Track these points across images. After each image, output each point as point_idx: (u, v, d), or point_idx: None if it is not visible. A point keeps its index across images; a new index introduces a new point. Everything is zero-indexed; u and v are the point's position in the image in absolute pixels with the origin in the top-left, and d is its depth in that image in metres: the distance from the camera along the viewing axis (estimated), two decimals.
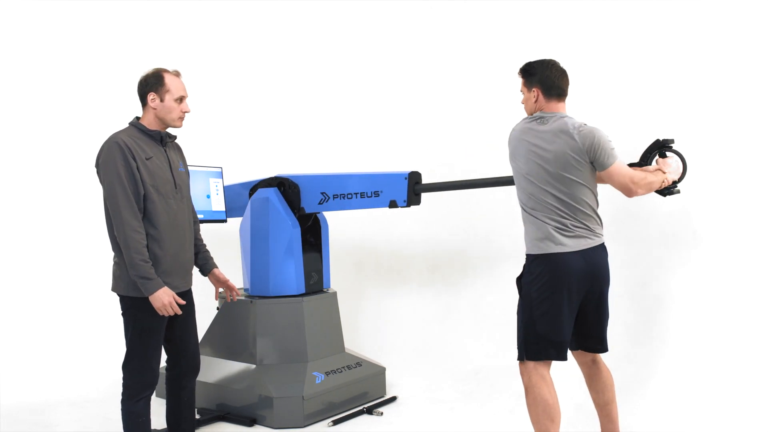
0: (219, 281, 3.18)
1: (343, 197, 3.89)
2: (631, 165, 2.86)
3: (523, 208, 2.81)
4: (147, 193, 2.71)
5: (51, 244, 4.84)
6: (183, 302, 2.79)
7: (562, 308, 2.68)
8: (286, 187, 4.05)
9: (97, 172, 2.75)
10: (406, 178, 3.67)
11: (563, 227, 2.68)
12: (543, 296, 2.69)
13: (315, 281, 4.09)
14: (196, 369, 3.03)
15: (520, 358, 2.79)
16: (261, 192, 4.06)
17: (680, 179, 2.89)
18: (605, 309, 2.84)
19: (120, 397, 2.79)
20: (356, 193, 3.85)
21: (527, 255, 2.81)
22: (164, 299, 2.68)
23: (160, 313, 2.72)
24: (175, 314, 2.87)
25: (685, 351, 4.38)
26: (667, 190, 2.85)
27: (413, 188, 3.68)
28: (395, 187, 3.70)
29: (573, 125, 2.69)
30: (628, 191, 2.69)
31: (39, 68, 4.90)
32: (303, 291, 4.00)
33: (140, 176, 2.69)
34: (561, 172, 2.66)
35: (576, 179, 2.68)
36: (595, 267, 2.74)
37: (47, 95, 4.92)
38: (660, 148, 2.86)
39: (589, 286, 2.74)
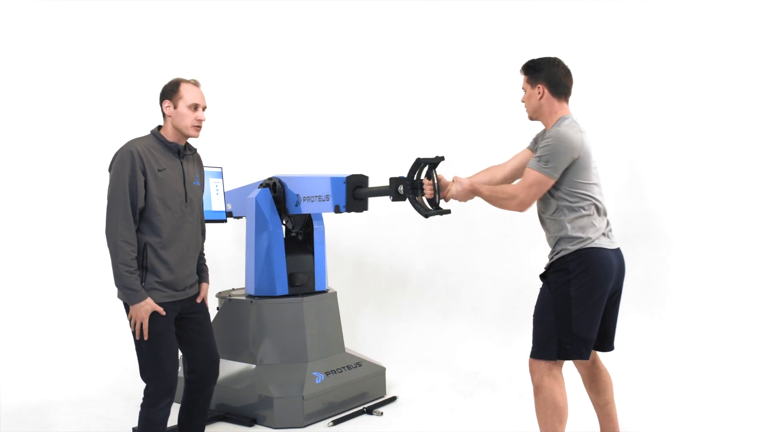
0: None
1: (308, 200, 3.77)
2: (395, 179, 2.99)
3: (562, 208, 2.68)
4: (152, 204, 2.70)
5: (51, 244, 4.83)
6: (163, 313, 2.73)
7: (600, 307, 2.65)
8: (276, 187, 4.01)
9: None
10: (344, 182, 3.40)
11: (602, 226, 2.69)
12: (584, 295, 2.61)
13: (303, 282, 4.03)
14: (214, 375, 3.01)
15: (542, 356, 2.66)
16: (252, 193, 4.06)
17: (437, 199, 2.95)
18: (618, 307, 2.84)
19: (126, 399, 2.76)
20: (315, 196, 3.69)
21: (565, 254, 2.66)
22: (140, 312, 2.66)
23: (134, 321, 2.68)
24: (187, 317, 2.88)
25: (685, 351, 4.39)
26: (436, 210, 2.94)
27: (353, 193, 3.40)
28: (337, 191, 3.46)
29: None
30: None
31: (56, 74, 4.88)
32: (285, 292, 3.93)
33: (147, 188, 2.69)
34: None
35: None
36: (623, 266, 2.76)
37: (55, 99, 4.90)
38: (427, 165, 2.89)
39: (616, 284, 2.74)
